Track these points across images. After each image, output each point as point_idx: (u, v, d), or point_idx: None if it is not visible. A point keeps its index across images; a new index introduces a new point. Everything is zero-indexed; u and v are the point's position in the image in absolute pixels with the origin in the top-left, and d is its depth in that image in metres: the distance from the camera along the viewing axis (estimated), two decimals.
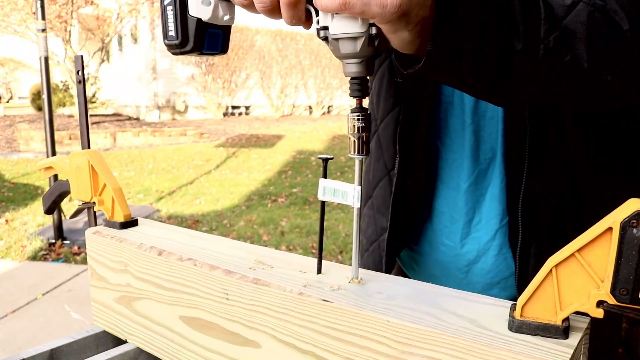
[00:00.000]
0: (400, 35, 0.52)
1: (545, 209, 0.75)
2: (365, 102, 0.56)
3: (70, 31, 12.17)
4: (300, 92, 17.09)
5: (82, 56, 0.82)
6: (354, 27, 0.51)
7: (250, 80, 16.38)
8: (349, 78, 0.55)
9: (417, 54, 0.55)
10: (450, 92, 0.80)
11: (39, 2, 4.21)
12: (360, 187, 0.55)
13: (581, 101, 0.64)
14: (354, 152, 0.55)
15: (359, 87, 0.54)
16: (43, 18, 4.24)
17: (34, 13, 4.47)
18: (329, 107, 17.86)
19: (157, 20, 13.41)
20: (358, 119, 0.54)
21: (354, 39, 0.52)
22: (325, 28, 0.53)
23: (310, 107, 17.70)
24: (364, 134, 0.54)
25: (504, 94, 0.61)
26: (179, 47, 0.60)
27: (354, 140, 0.54)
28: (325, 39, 0.53)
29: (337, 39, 0.52)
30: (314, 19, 0.53)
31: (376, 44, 0.52)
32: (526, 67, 0.56)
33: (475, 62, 0.55)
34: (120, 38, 16.05)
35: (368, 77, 0.55)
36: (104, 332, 0.82)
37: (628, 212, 0.40)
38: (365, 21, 0.51)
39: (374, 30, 0.51)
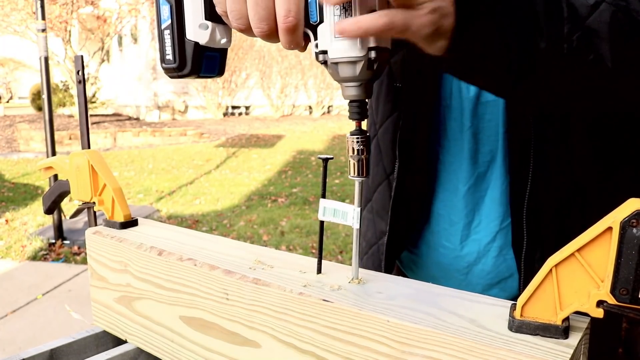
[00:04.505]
0: (436, 45, 0.53)
1: (550, 213, 0.75)
2: (365, 124, 0.56)
3: (70, 31, 12.18)
4: (300, 92, 17.08)
5: (82, 56, 0.82)
6: (353, 51, 0.51)
7: (250, 80, 16.37)
8: (348, 101, 0.54)
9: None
10: (448, 95, 0.80)
11: (39, 2, 4.21)
12: (359, 209, 0.55)
13: (604, 100, 0.65)
14: (354, 174, 0.55)
15: (358, 110, 0.54)
16: (43, 18, 4.24)
17: (34, 13, 4.47)
18: (329, 107, 17.85)
19: (156, 21, 13.39)
20: (357, 142, 0.54)
21: (353, 62, 0.52)
22: (324, 52, 0.52)
23: (310, 107, 17.69)
24: (363, 157, 0.54)
25: (527, 94, 0.61)
26: (176, 70, 0.60)
27: (354, 163, 0.54)
28: (324, 62, 0.53)
29: (336, 63, 0.52)
30: (312, 42, 0.53)
31: (375, 67, 0.52)
32: (550, 66, 0.57)
33: (499, 62, 0.56)
34: (120, 38, 16.05)
35: (367, 100, 0.55)
36: (104, 332, 0.82)
37: (628, 211, 0.40)
38: (365, 45, 0.51)
39: (373, 55, 0.51)
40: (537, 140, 0.73)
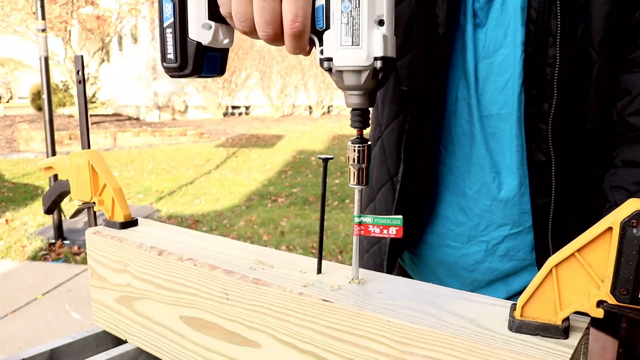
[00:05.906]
0: None
1: (576, 230, 0.74)
2: (366, 133, 0.56)
3: (70, 31, 12.18)
4: (300, 92, 17.08)
5: (82, 56, 0.82)
6: (359, 60, 0.50)
7: (250, 80, 16.37)
8: (350, 109, 0.54)
9: None
10: (453, 101, 0.80)
11: (39, 2, 4.21)
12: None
13: None
14: (354, 182, 0.55)
15: (360, 118, 0.54)
16: (43, 18, 4.24)
17: (34, 13, 4.47)
18: (329, 107, 17.84)
19: (157, 20, 13.40)
20: (358, 150, 0.54)
21: (359, 71, 0.51)
22: (329, 59, 0.52)
23: (310, 107, 17.69)
24: (364, 165, 0.54)
25: None
26: (177, 70, 0.59)
27: (354, 172, 0.54)
28: (329, 69, 0.53)
29: (341, 71, 0.52)
30: (317, 48, 0.53)
31: (380, 77, 0.52)
32: None
33: None
34: (120, 38, 16.06)
35: (370, 109, 0.54)
36: (104, 332, 0.82)
37: (628, 212, 0.40)
38: (371, 54, 0.51)
39: (378, 64, 0.51)
40: (559, 166, 0.72)
